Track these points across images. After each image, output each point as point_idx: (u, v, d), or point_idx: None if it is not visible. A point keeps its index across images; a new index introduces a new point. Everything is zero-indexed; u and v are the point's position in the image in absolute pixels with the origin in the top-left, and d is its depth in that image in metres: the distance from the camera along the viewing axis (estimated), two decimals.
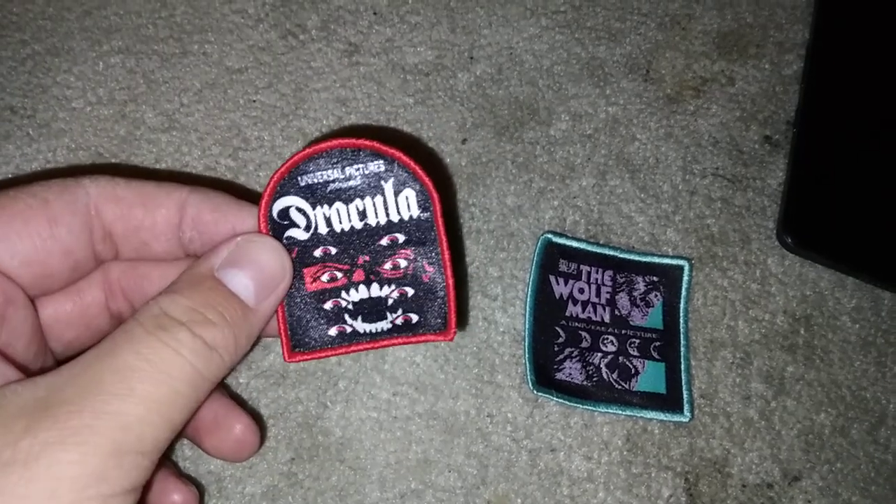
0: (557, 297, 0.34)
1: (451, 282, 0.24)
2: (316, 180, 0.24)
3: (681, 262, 0.35)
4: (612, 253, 0.35)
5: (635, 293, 0.35)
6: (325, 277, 0.24)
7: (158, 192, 0.24)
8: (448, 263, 0.24)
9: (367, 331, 0.25)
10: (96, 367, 0.19)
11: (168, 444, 0.20)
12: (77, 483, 0.17)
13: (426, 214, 0.24)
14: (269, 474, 0.31)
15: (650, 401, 0.33)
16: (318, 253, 0.24)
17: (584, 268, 0.35)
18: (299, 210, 0.24)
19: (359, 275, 0.24)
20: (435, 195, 0.24)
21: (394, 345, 0.25)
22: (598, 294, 0.35)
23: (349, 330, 0.25)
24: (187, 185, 0.24)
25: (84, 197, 0.23)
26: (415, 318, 0.25)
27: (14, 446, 0.17)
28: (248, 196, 0.26)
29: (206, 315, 0.21)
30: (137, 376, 0.19)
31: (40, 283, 0.23)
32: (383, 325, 0.25)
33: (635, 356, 0.34)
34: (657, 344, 0.34)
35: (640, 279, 0.35)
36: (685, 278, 0.35)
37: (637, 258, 0.35)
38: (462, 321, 0.33)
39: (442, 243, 0.24)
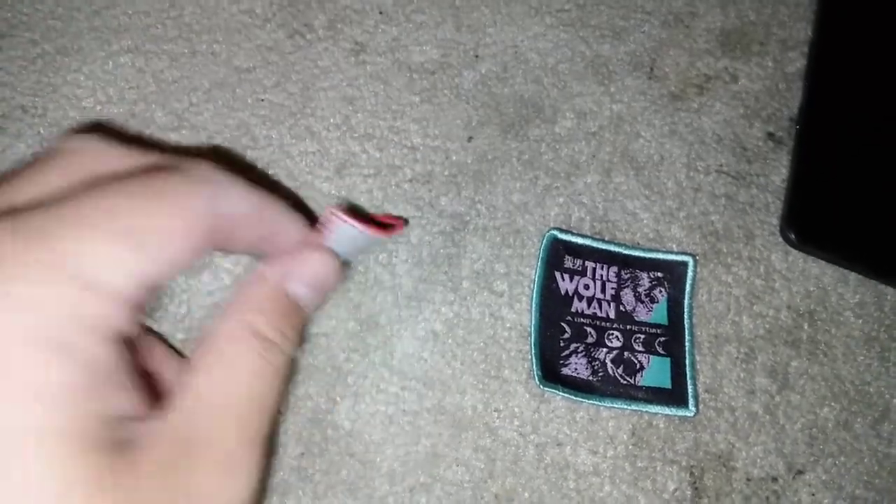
0: (563, 293, 0.35)
1: None
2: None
3: (685, 259, 0.35)
4: (616, 249, 0.35)
5: (640, 289, 0.35)
6: None
7: (280, 217, 0.25)
8: None
9: None
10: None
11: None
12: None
13: None
14: (280, 469, 0.32)
15: (655, 395, 0.33)
16: None
17: (590, 264, 0.35)
18: None
19: None
20: None
21: None
22: (604, 290, 0.35)
23: None
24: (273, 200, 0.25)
25: (76, 145, 0.23)
26: None
27: None
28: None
29: (284, 331, 0.23)
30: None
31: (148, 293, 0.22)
32: None
33: (640, 351, 0.34)
34: (662, 339, 0.34)
35: (644, 275, 0.35)
36: (689, 274, 0.35)
37: (642, 254, 0.35)
38: None
39: None
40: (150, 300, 0.24)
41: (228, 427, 0.20)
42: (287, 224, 0.25)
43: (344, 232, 0.26)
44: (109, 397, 0.18)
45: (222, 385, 0.21)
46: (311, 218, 0.27)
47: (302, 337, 0.24)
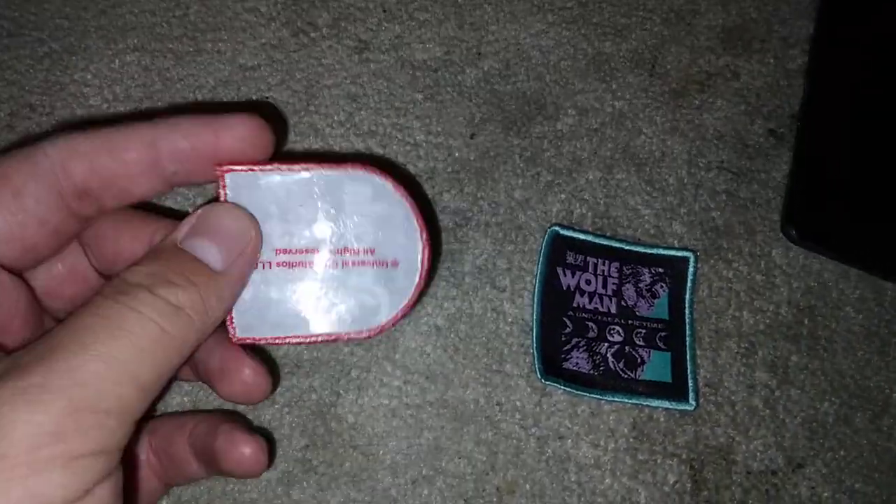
0: (565, 288, 0.35)
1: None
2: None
3: (686, 254, 0.36)
4: (618, 245, 0.36)
5: (641, 284, 0.35)
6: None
7: (121, 136, 0.23)
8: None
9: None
10: (55, 333, 0.19)
11: (144, 403, 0.19)
12: (28, 442, 0.16)
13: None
14: (284, 461, 0.32)
15: (656, 389, 0.34)
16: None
17: (591, 259, 0.35)
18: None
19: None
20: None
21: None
22: (605, 285, 0.35)
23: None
24: (154, 121, 0.24)
25: (45, 160, 0.22)
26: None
27: None
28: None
29: (168, 278, 0.20)
30: (93, 333, 0.18)
31: (26, 258, 0.23)
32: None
33: (641, 346, 0.34)
34: (663, 334, 0.35)
35: (646, 271, 0.36)
36: (690, 270, 0.35)
37: (643, 250, 0.36)
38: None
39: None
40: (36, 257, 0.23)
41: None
42: (200, 140, 0.23)
43: (242, 182, 0.23)
44: None
45: (58, 328, 0.19)
46: None
47: (210, 287, 0.21)
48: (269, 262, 0.23)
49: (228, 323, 0.24)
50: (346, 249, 0.24)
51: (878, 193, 0.37)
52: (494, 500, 0.32)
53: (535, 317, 0.34)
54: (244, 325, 0.24)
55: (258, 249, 0.23)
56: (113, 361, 0.18)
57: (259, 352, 0.29)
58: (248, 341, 0.24)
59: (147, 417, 0.27)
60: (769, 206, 0.37)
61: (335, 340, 0.24)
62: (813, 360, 0.35)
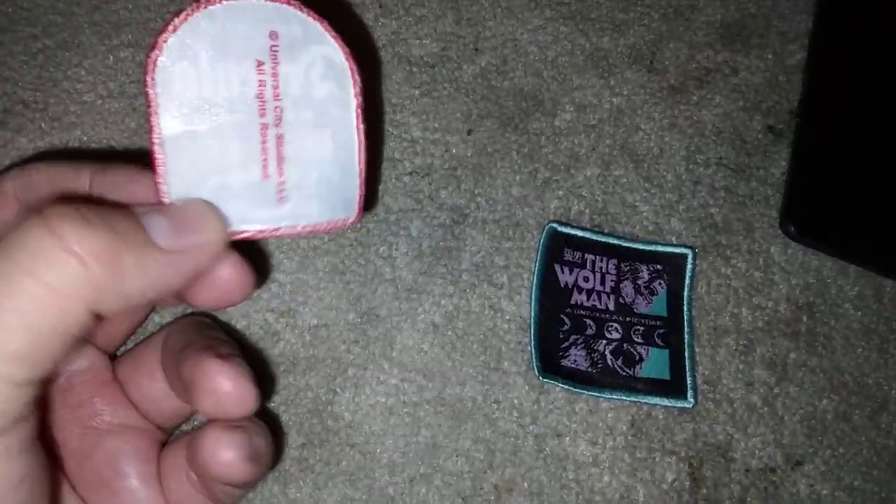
0: (562, 285, 0.35)
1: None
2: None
3: (684, 251, 0.35)
4: (616, 242, 0.35)
5: (639, 281, 0.35)
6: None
7: (66, 172, 0.23)
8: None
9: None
10: None
11: (27, 372, 0.17)
12: None
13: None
14: (281, 459, 0.32)
15: (654, 387, 0.34)
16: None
17: (589, 256, 0.35)
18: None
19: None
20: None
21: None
22: (603, 282, 0.35)
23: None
24: (92, 164, 0.23)
25: (9, 187, 0.23)
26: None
27: None
28: None
29: (85, 215, 0.18)
30: None
31: None
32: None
33: (639, 343, 0.34)
34: (661, 331, 0.35)
35: (644, 267, 0.35)
36: (689, 266, 0.35)
37: (641, 247, 0.35)
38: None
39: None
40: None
41: None
42: (128, 191, 0.22)
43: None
44: None
45: None
46: None
47: (134, 247, 0.19)
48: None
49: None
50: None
51: (878, 190, 0.37)
52: (492, 498, 0.32)
53: (532, 314, 0.34)
54: (343, 208, 0.22)
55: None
56: None
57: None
58: (363, 202, 0.22)
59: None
60: (768, 202, 0.37)
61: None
62: (812, 358, 0.35)
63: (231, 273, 0.22)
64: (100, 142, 0.35)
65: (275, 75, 0.21)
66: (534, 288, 0.34)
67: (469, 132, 0.37)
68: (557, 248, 0.35)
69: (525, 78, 0.38)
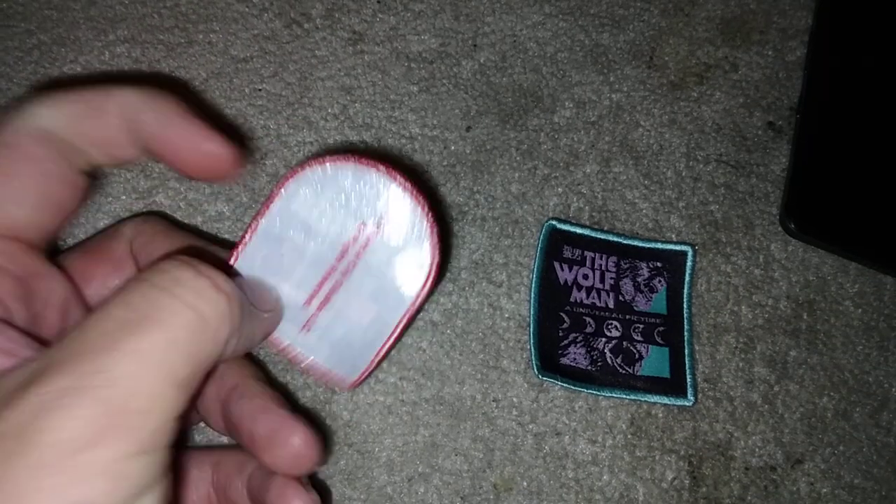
0: (562, 283, 0.34)
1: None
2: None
3: (684, 248, 0.35)
4: (616, 239, 0.35)
5: (639, 279, 0.35)
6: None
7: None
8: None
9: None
10: (87, 327, 0.18)
11: (182, 399, 0.18)
12: (64, 449, 0.16)
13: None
14: None
15: (654, 385, 0.33)
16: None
17: (589, 254, 0.35)
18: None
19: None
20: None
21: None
22: (603, 280, 0.35)
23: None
24: (132, 90, 0.23)
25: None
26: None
27: (1, 420, 0.16)
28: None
29: (212, 275, 0.19)
30: (123, 328, 0.18)
31: (57, 219, 0.23)
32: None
33: (639, 341, 0.34)
34: (661, 329, 0.34)
35: (643, 265, 0.35)
36: (689, 264, 0.35)
37: (641, 244, 0.35)
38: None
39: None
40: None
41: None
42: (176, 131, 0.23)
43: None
44: None
45: (89, 322, 0.18)
46: None
47: (249, 326, 0.21)
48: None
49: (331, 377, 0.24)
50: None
51: (878, 187, 0.37)
52: (491, 497, 0.32)
53: (531, 312, 0.34)
54: (346, 369, 0.24)
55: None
56: (144, 358, 0.17)
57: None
58: (364, 378, 0.24)
59: (212, 448, 0.27)
60: (768, 199, 0.37)
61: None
62: (812, 355, 0.35)
63: (301, 445, 0.23)
64: None
65: (368, 240, 0.24)
66: (533, 286, 0.34)
67: (468, 129, 0.37)
68: (557, 245, 0.35)
69: (524, 74, 0.38)
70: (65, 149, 0.22)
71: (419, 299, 0.24)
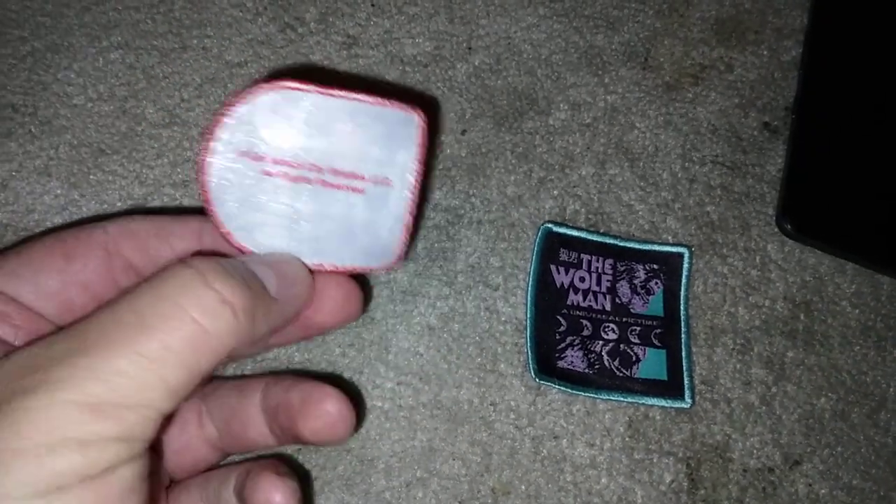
0: (558, 285, 0.34)
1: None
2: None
3: (681, 250, 0.35)
4: (612, 241, 0.35)
5: (636, 281, 0.35)
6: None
7: (174, 224, 0.25)
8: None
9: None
10: (90, 325, 0.19)
11: (171, 402, 0.19)
12: (45, 427, 0.17)
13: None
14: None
15: (651, 387, 0.33)
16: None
17: (585, 256, 0.35)
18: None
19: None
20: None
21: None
22: (599, 282, 0.35)
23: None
24: (198, 217, 0.25)
25: (101, 235, 0.25)
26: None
27: None
28: None
29: (228, 270, 0.20)
30: (124, 331, 0.19)
31: (66, 317, 0.24)
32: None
33: (636, 343, 0.34)
34: (658, 331, 0.34)
35: (640, 267, 0.35)
36: (685, 265, 0.35)
37: (637, 246, 0.35)
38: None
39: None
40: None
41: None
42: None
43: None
44: None
45: (91, 317, 0.19)
46: None
47: (261, 302, 0.21)
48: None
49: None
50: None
51: (874, 186, 0.37)
52: (490, 501, 0.32)
53: (528, 315, 0.34)
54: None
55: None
56: (139, 360, 0.18)
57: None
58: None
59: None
60: (764, 200, 0.37)
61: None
62: (809, 356, 0.35)
63: (335, 407, 0.24)
64: (90, 145, 0.35)
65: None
66: (529, 289, 0.34)
67: (463, 132, 0.37)
68: (553, 248, 0.35)
69: (519, 77, 0.38)
70: (112, 263, 0.25)
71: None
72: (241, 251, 0.24)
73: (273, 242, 0.24)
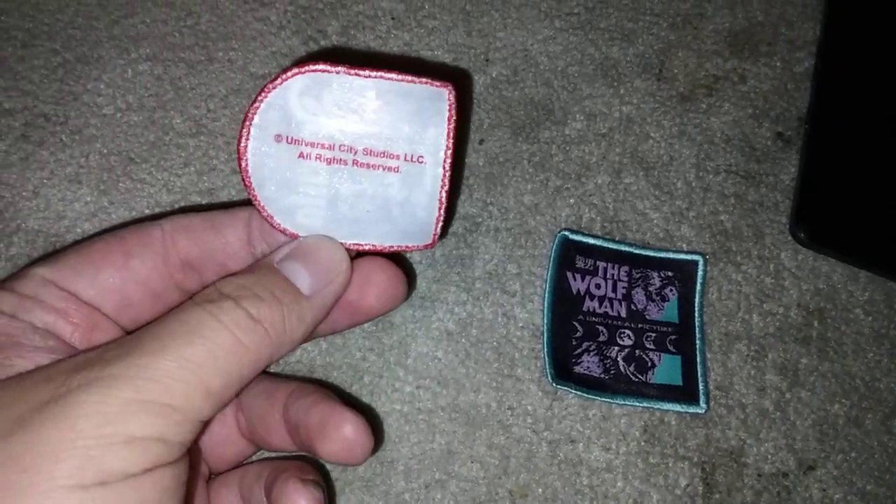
0: (575, 292, 0.35)
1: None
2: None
3: (695, 258, 0.36)
4: (627, 249, 0.36)
5: (651, 288, 0.36)
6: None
7: (224, 216, 0.27)
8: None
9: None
10: (142, 333, 0.21)
11: (210, 408, 0.21)
12: (96, 421, 0.18)
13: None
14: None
15: (667, 393, 0.34)
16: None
17: (601, 264, 0.36)
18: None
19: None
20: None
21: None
22: (615, 289, 0.35)
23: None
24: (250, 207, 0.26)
25: (157, 232, 0.26)
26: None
27: (53, 391, 0.19)
28: None
29: (255, 291, 0.22)
30: (173, 337, 0.20)
31: (123, 313, 0.25)
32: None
33: (651, 349, 0.35)
34: (673, 337, 0.35)
35: (655, 274, 0.36)
36: (700, 273, 0.36)
37: (652, 254, 0.36)
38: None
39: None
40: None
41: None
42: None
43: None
44: None
45: (144, 329, 0.21)
46: None
47: (293, 306, 0.23)
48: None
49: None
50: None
51: (886, 195, 0.37)
52: (507, 503, 0.33)
53: (545, 321, 0.34)
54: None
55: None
56: (185, 364, 0.20)
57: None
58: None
59: None
60: (777, 208, 0.37)
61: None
62: (823, 363, 0.35)
63: (352, 432, 0.25)
64: (120, 154, 0.36)
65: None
66: (546, 295, 0.35)
67: (481, 142, 0.37)
68: (569, 255, 0.35)
69: (535, 88, 0.38)
70: (169, 259, 0.26)
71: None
72: (284, 234, 0.25)
73: (313, 223, 0.25)
